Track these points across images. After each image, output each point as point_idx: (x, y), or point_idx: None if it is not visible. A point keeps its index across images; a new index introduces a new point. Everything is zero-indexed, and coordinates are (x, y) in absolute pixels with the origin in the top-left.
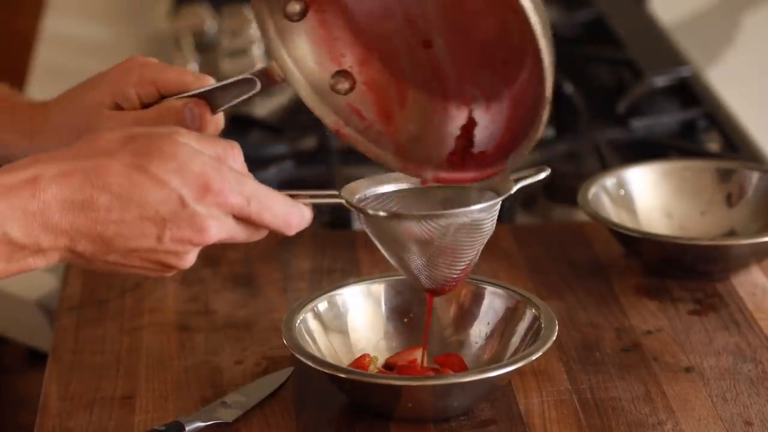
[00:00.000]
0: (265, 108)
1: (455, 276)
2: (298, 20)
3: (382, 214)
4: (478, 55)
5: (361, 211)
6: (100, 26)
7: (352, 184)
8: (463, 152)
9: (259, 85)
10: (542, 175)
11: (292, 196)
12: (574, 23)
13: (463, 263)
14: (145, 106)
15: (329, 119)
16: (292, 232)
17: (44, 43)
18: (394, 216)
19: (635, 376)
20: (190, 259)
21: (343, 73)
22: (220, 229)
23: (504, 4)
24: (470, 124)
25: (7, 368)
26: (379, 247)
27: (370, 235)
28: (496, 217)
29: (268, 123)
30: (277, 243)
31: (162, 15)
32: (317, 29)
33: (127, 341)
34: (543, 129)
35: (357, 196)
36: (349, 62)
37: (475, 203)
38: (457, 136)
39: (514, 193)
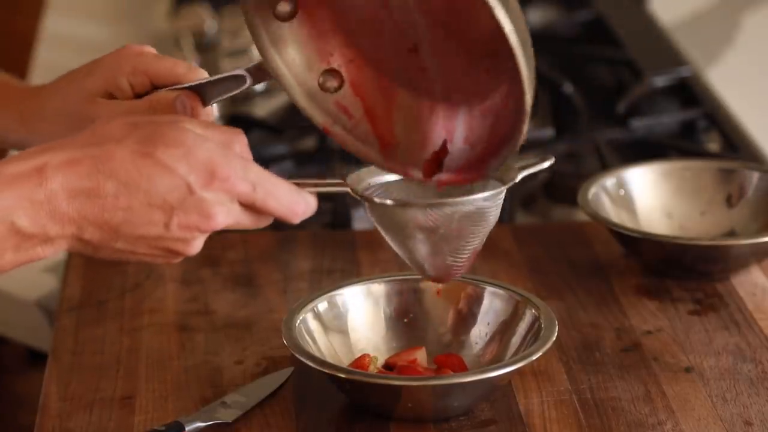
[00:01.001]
0: (265, 108)
1: (459, 264)
2: (288, 20)
3: (388, 201)
4: (461, 63)
5: (367, 199)
6: (100, 26)
7: (358, 173)
8: (434, 170)
9: (249, 82)
10: (546, 164)
11: (297, 184)
12: (574, 23)
13: (467, 251)
14: (138, 95)
15: (318, 118)
16: (296, 220)
17: (44, 43)
18: (400, 204)
19: (635, 376)
20: (197, 245)
21: (331, 72)
22: (227, 216)
23: (482, 19)
24: (442, 152)
25: (7, 368)
26: (384, 234)
27: (375, 223)
28: (500, 206)
29: (268, 123)
30: (276, 243)
31: (162, 15)
32: (306, 29)
33: (127, 341)
34: (523, 140)
35: (362, 185)
36: (337, 61)
37: (479, 192)
38: (426, 160)
39: (515, 191)
